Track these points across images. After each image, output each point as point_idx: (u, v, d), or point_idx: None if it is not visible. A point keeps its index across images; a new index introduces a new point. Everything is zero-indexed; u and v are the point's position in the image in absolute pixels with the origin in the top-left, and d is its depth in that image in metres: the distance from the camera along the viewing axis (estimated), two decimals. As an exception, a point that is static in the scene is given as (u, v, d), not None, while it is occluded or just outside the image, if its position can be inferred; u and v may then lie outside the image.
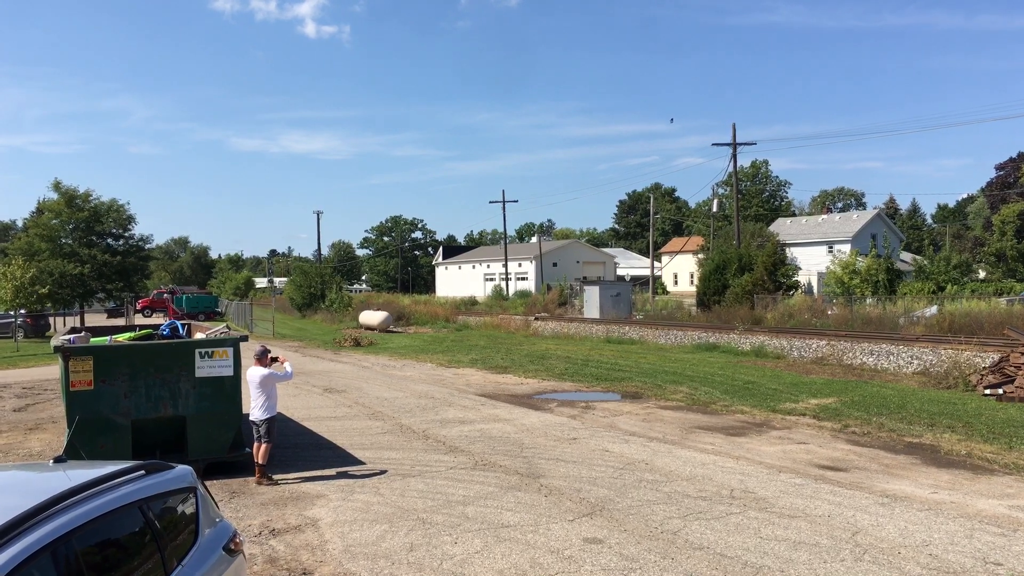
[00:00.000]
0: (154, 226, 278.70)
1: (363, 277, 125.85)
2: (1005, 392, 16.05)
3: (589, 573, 6.79)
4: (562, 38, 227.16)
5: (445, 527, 8.09)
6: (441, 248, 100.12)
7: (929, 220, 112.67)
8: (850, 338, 24.31)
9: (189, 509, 4.42)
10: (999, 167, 79.85)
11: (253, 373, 10.18)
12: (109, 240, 46.18)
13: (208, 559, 4.26)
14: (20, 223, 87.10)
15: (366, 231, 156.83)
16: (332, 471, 10.71)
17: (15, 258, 38.96)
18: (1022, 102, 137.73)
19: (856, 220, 71.23)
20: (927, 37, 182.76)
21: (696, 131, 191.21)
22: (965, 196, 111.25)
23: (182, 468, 4.58)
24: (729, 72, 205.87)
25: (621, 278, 75.48)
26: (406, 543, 7.62)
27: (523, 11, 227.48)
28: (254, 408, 10.18)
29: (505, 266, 71.39)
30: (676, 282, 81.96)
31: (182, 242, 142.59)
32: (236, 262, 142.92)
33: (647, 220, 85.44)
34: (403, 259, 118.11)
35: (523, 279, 75.47)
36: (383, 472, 10.63)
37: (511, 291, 68.16)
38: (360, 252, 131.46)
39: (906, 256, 68.91)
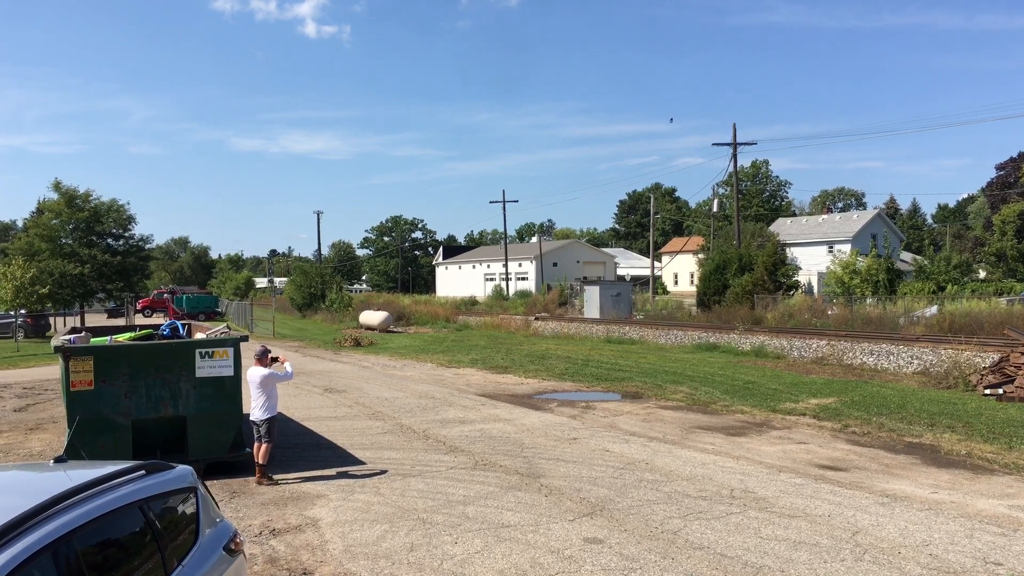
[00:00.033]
0: (154, 226, 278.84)
1: (363, 277, 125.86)
2: (1005, 392, 16.05)
3: (589, 573, 6.80)
4: (562, 38, 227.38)
5: (445, 527, 8.10)
6: (441, 248, 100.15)
7: (929, 220, 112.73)
8: (850, 338, 24.31)
9: (189, 509, 4.42)
10: (999, 167, 79.84)
11: (253, 373, 10.19)
12: (109, 240, 46.20)
13: (208, 559, 4.27)
14: (20, 223, 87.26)
15: (366, 231, 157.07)
16: (332, 471, 10.71)
17: (15, 258, 38.99)
18: (1022, 102, 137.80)
19: (856, 220, 71.24)
20: (927, 37, 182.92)
21: (696, 131, 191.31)
22: (965, 196, 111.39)
23: (182, 468, 4.58)
24: (729, 72, 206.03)
25: (621, 278, 75.47)
26: (406, 543, 7.63)
27: (523, 11, 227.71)
28: (254, 408, 10.18)
29: (505, 266, 71.39)
30: (676, 282, 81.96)
31: (182, 242, 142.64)
32: (236, 262, 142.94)
33: (647, 220, 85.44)
34: (403, 259, 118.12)
35: (523, 279, 75.48)
36: (383, 472, 10.63)
37: (511, 291, 68.17)
38: (360, 252, 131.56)
39: (906, 256, 68.91)
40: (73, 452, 9.14)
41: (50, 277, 39.53)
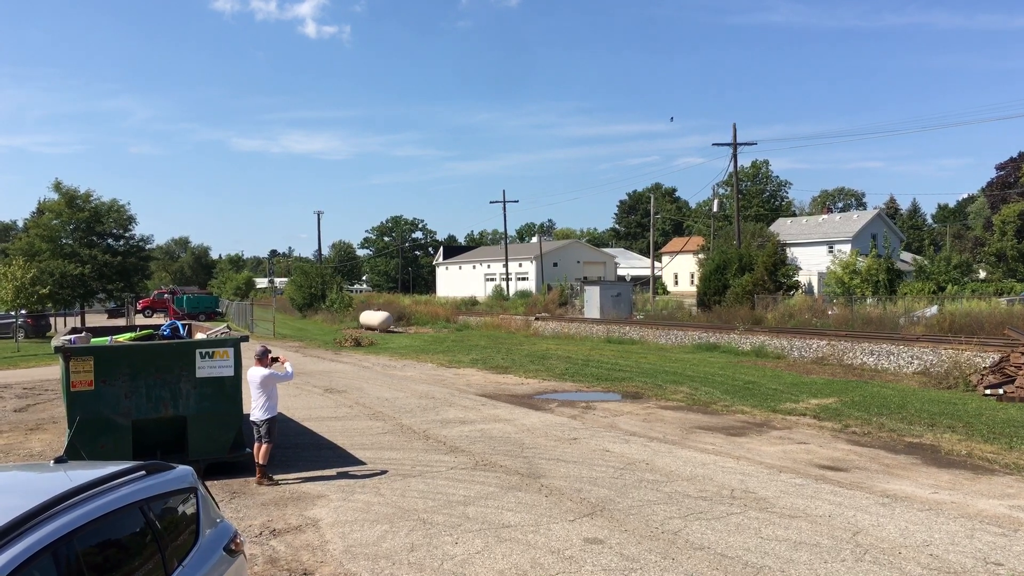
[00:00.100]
0: (155, 226, 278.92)
1: (364, 277, 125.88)
2: (1005, 392, 16.04)
3: (590, 573, 6.80)
4: (562, 38, 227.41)
5: (446, 527, 8.10)
6: (441, 248, 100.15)
7: (929, 220, 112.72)
8: (850, 338, 24.31)
9: (190, 509, 4.42)
10: (999, 167, 79.81)
11: (254, 373, 10.19)
12: (110, 240, 46.18)
13: (209, 559, 4.26)
14: (21, 223, 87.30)
15: (366, 231, 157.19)
16: (333, 471, 10.71)
17: (16, 258, 39.01)
18: (1022, 102, 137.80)
19: (856, 220, 71.24)
20: (927, 37, 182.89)
21: (696, 131, 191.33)
22: (965, 196, 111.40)
23: (183, 468, 4.58)
24: (729, 72, 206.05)
25: (621, 278, 75.47)
26: (407, 543, 7.62)
27: (523, 11, 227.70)
28: (255, 408, 10.18)
29: (506, 266, 71.40)
30: (676, 282, 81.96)
31: (183, 242, 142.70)
32: (237, 262, 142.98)
33: (647, 220, 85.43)
34: (403, 259, 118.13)
35: (523, 279, 75.48)
36: (384, 472, 10.63)
37: (512, 291, 68.18)
38: (361, 252, 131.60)
39: (906, 256, 68.91)
40: (73, 452, 9.14)
41: (50, 277, 39.54)
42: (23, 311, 37.22)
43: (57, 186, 43.38)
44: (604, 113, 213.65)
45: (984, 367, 17.84)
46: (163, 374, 10.26)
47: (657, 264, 66.95)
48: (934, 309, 29.37)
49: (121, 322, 43.65)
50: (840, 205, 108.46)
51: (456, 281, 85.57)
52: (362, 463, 11.23)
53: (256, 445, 10.14)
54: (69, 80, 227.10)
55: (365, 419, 15.00)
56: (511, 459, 11.35)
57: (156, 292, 66.86)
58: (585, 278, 63.87)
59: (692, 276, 69.19)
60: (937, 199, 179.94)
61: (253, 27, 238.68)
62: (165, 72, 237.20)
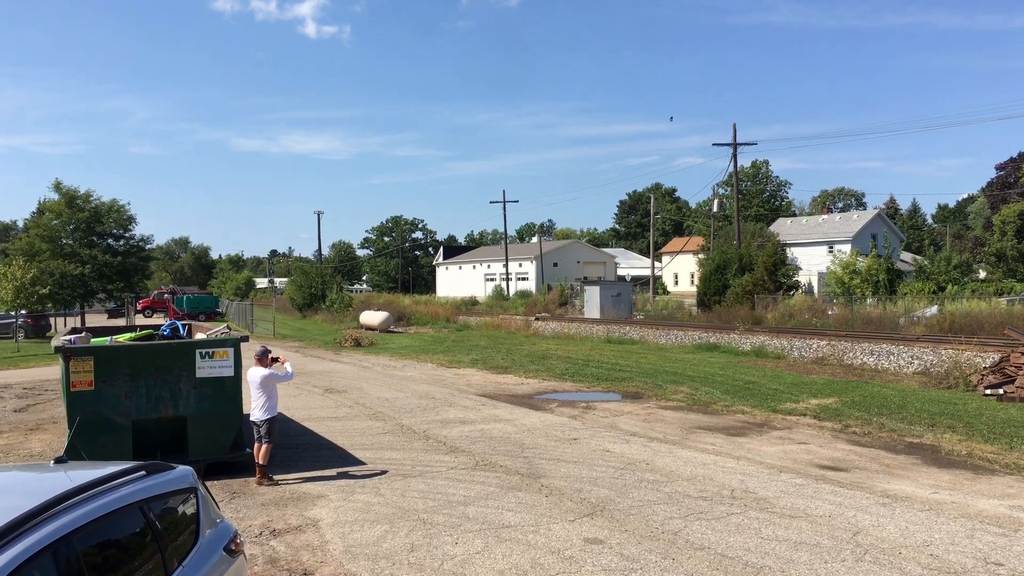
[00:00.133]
0: (155, 226, 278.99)
1: (364, 277, 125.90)
2: (1006, 392, 16.04)
3: (590, 573, 6.79)
4: (562, 38, 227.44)
5: (446, 527, 8.09)
6: (442, 248, 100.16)
7: (929, 220, 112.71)
8: (850, 338, 24.31)
9: (190, 510, 4.42)
10: (999, 167, 79.83)
11: (254, 373, 10.18)
12: (110, 240, 46.16)
13: (209, 560, 4.26)
14: (21, 223, 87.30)
15: (366, 231, 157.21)
16: (333, 471, 10.71)
17: (16, 258, 38.99)
18: (1022, 102, 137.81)
19: (856, 220, 71.24)
20: (927, 37, 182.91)
21: (696, 131, 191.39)
22: (965, 196, 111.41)
23: (183, 469, 4.58)
24: (729, 72, 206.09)
25: (622, 278, 75.47)
26: (407, 543, 7.62)
27: (523, 11, 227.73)
28: (255, 408, 10.18)
29: (506, 266, 71.40)
30: (676, 282, 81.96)
31: (183, 242, 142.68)
32: (237, 262, 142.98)
33: (648, 220, 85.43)
34: (404, 259, 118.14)
35: (524, 279, 75.48)
36: (384, 472, 10.63)
37: (512, 291, 68.18)
38: (361, 252, 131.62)
39: (906, 256, 68.90)
40: (73, 452, 9.14)
41: (50, 277, 39.53)
42: (23, 311, 37.22)
43: (57, 186, 43.38)
44: (604, 113, 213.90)
45: (984, 367, 17.84)
46: (163, 374, 10.26)
47: (657, 264, 66.95)
48: (934, 309, 29.37)
49: (121, 322, 43.65)
50: (840, 205, 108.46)
51: (456, 281, 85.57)
52: (362, 463, 11.23)
53: (256, 445, 10.14)
54: (69, 80, 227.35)
55: (365, 419, 15.00)
56: (511, 459, 11.35)
57: (156, 292, 66.85)
58: (585, 278, 63.88)
59: (692, 276, 69.19)
60: (937, 199, 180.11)
61: (253, 27, 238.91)
62: (165, 72, 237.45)
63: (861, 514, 8.45)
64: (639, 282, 65.50)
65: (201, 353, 10.44)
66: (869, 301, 34.79)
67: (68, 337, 12.48)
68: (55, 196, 43.66)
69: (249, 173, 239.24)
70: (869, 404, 15.74)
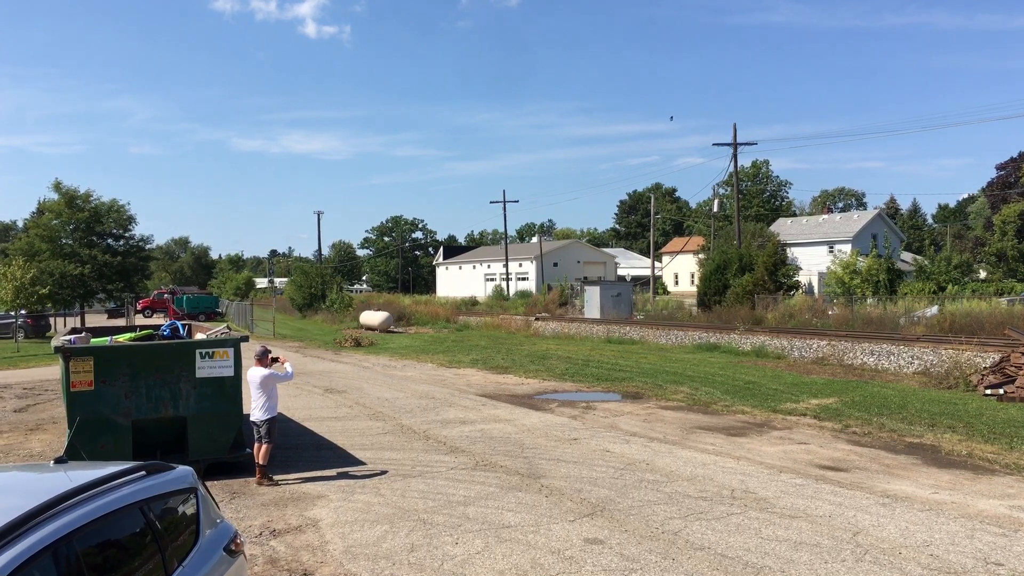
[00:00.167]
0: (155, 226, 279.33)
1: (364, 277, 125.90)
2: (1006, 392, 16.04)
3: (590, 573, 6.79)
4: (562, 38, 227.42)
5: (446, 528, 8.09)
6: (442, 248, 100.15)
7: (930, 220, 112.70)
8: (851, 338, 24.31)
9: (190, 510, 4.42)
10: (1000, 167, 79.75)
11: (254, 373, 10.18)
12: (109, 240, 46.17)
13: (209, 560, 4.26)
14: (21, 224, 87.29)
15: (366, 231, 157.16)
16: (333, 471, 10.71)
17: (16, 258, 38.99)
18: (1022, 102, 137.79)
19: (857, 220, 71.23)
20: (927, 37, 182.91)
21: (697, 131, 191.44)
22: (966, 196, 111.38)
23: (183, 469, 4.58)
24: (729, 72, 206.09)
25: (622, 278, 75.46)
26: (407, 544, 7.62)
27: (523, 11, 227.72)
28: (255, 409, 10.18)
29: (506, 266, 71.40)
30: (677, 282, 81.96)
31: (182, 242, 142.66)
32: (237, 262, 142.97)
33: (648, 220, 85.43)
34: (404, 259, 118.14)
35: (524, 279, 75.48)
36: (384, 472, 10.63)
37: (512, 291, 68.18)
38: (361, 252, 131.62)
39: (907, 256, 68.90)
40: (73, 453, 9.14)
41: (50, 277, 39.53)
42: (23, 311, 37.22)
43: (57, 186, 43.39)
44: (604, 113, 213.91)
45: (984, 367, 17.83)
46: (163, 374, 10.26)
47: (657, 264, 66.95)
48: (934, 309, 29.37)
49: (121, 322, 43.65)
50: (840, 205, 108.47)
51: (456, 281, 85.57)
52: (362, 463, 11.23)
53: (256, 445, 10.14)
54: (69, 80, 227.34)
55: (365, 419, 15.00)
56: (511, 459, 11.35)
57: (156, 292, 66.86)
58: (585, 278, 63.87)
59: (692, 276, 69.18)
60: (937, 199, 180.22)
61: (253, 27, 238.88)
62: (165, 72, 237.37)
63: (861, 514, 8.45)
64: (639, 282, 65.50)
65: (201, 353, 10.44)
66: (869, 301, 34.79)
67: (68, 337, 12.48)
68: (55, 196, 43.68)
69: (249, 173, 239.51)
70: (869, 404, 15.74)
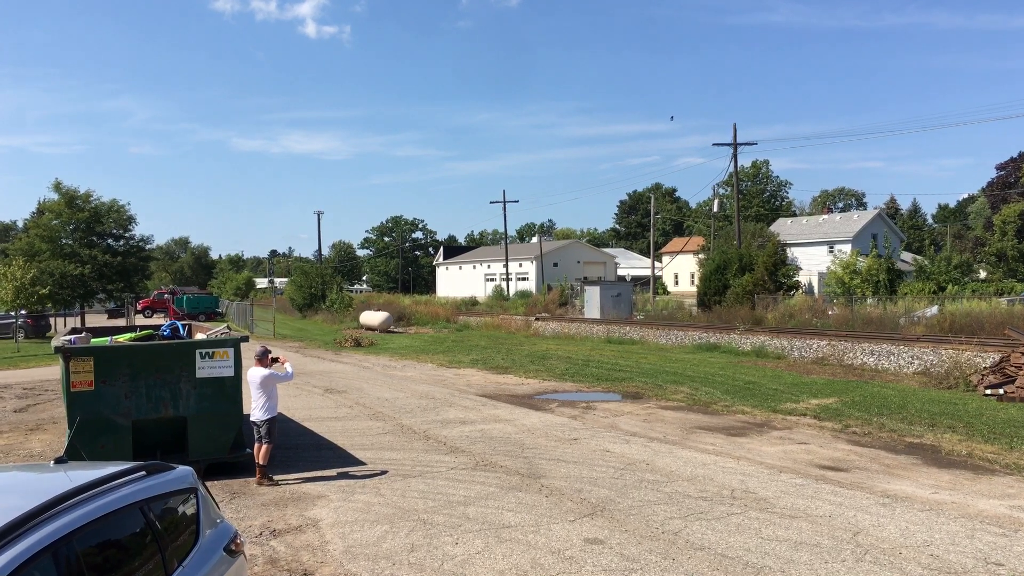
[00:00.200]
0: (155, 227, 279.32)
1: (364, 277, 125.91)
2: (1006, 392, 16.04)
3: (590, 573, 6.79)
4: (562, 38, 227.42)
5: (446, 528, 8.09)
6: (442, 248, 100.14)
7: (930, 220, 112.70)
8: (851, 338, 24.30)
9: (190, 510, 4.42)
10: (1000, 167, 79.75)
11: (254, 374, 10.18)
12: (110, 241, 46.16)
13: (209, 560, 4.26)
14: (21, 224, 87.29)
15: (367, 231, 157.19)
16: (333, 472, 10.71)
17: (16, 259, 38.99)
18: (1022, 102, 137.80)
19: (857, 220, 71.22)
20: (927, 37, 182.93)
21: (697, 131, 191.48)
22: (966, 196, 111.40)
23: (183, 469, 4.58)
24: (729, 72, 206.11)
25: (622, 278, 75.46)
26: (407, 544, 7.62)
27: (523, 11, 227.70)
28: (255, 409, 10.18)
29: (506, 266, 71.40)
30: (677, 282, 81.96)
31: (183, 242, 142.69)
32: (237, 262, 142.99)
33: (648, 220, 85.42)
34: (404, 259, 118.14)
35: (524, 279, 75.48)
36: (384, 473, 10.63)
37: (512, 291, 68.18)
38: (361, 252, 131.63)
39: (907, 256, 68.89)
40: (73, 453, 9.14)
41: (50, 278, 39.52)
42: (23, 311, 37.22)
43: (57, 186, 43.38)
44: (604, 113, 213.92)
45: (984, 367, 17.83)
46: (163, 374, 10.26)
47: (657, 264, 66.95)
48: (934, 309, 29.37)
49: (121, 322, 43.66)
50: (840, 205, 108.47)
51: (456, 281, 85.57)
52: (362, 463, 11.23)
53: (256, 445, 10.14)
54: (69, 80, 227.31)
55: (365, 419, 15.00)
56: (511, 459, 11.35)
57: (156, 292, 66.87)
58: (585, 278, 63.88)
59: (692, 276, 69.17)
60: (937, 199, 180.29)
61: (253, 27, 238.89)
62: (165, 72, 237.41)
63: (861, 514, 8.45)
64: (639, 282, 65.50)
65: (201, 353, 10.44)
66: (869, 301, 34.79)
67: (68, 337, 12.48)
68: (55, 196, 43.67)
69: (249, 173, 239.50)
70: (869, 404, 15.74)
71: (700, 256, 62.23)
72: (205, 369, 10.44)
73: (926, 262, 48.20)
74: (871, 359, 22.32)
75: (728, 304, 35.90)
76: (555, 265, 75.05)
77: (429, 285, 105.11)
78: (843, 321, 29.43)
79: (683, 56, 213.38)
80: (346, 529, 8.14)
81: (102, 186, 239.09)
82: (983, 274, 60.44)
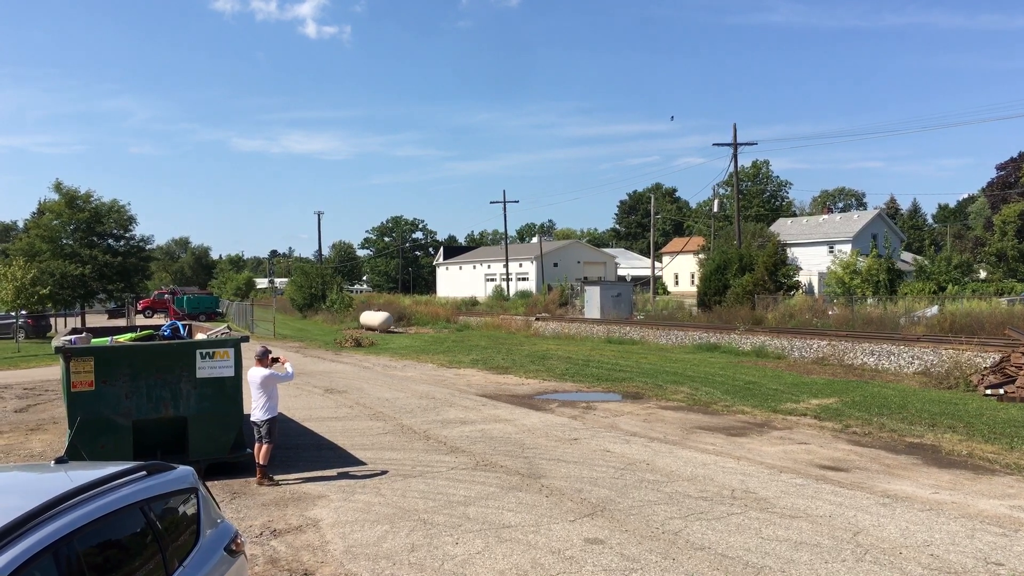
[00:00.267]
0: (155, 227, 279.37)
1: (364, 278, 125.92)
2: (1006, 392, 16.04)
3: (590, 573, 6.79)
4: (562, 38, 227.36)
5: (446, 527, 8.10)
6: (442, 248, 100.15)
7: (930, 220, 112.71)
8: (851, 338, 24.30)
9: (190, 510, 4.42)
10: (1000, 167, 79.74)
11: (254, 374, 10.19)
12: (110, 241, 46.14)
13: (209, 560, 4.27)
14: (21, 224, 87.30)
15: (367, 231, 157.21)
16: (333, 472, 10.71)
17: (16, 259, 38.98)
18: (1022, 102, 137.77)
19: (857, 220, 71.21)
20: (927, 37, 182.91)
21: (697, 131, 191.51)
22: (966, 196, 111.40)
23: (183, 469, 4.59)
24: (729, 72, 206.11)
25: (622, 278, 75.47)
26: (407, 544, 7.62)
27: (523, 11, 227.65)
28: (255, 409, 10.18)
29: (506, 266, 71.40)
30: (677, 282, 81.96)
31: (183, 243, 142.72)
32: (237, 263, 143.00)
33: (648, 220, 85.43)
34: (404, 259, 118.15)
35: (524, 279, 75.48)
36: (384, 472, 10.63)
37: (512, 291, 68.18)
38: (361, 252, 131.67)
39: (907, 256, 68.89)
40: (74, 453, 9.14)
41: (51, 278, 39.52)
42: (23, 311, 37.22)
43: (57, 186, 43.37)
44: (604, 113, 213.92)
45: (985, 367, 17.83)
46: (164, 374, 10.27)
47: (657, 264, 66.95)
48: (935, 309, 29.38)
49: (121, 322, 43.65)
50: (840, 205, 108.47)
51: (456, 281, 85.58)
52: (363, 463, 11.23)
53: (256, 445, 10.15)
54: (69, 80, 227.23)
55: (366, 419, 15.00)
56: (512, 459, 11.35)
57: (156, 292, 66.86)
58: (585, 278, 63.89)
59: (692, 276, 69.17)
60: (937, 199, 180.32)
61: (253, 27, 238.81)
62: (165, 72, 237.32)
63: (861, 514, 8.45)
64: (639, 282, 65.50)
65: (201, 353, 10.45)
66: (869, 301, 34.79)
67: (68, 337, 12.48)
68: (55, 196, 43.65)
69: (249, 173, 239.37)
70: (869, 404, 15.74)
71: (700, 256, 62.24)
72: (205, 369, 10.44)
73: (926, 262, 48.21)
74: (871, 359, 22.32)
75: (728, 304, 35.90)
76: (555, 265, 75.05)
77: (429, 285, 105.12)
78: (843, 321, 29.43)
79: (683, 56, 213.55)
80: (346, 529, 8.14)
81: (102, 186, 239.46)
82: (983, 274, 60.43)
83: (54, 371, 22.34)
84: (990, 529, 7.91)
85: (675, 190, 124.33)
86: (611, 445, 12.28)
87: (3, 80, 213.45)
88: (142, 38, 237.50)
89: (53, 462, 4.36)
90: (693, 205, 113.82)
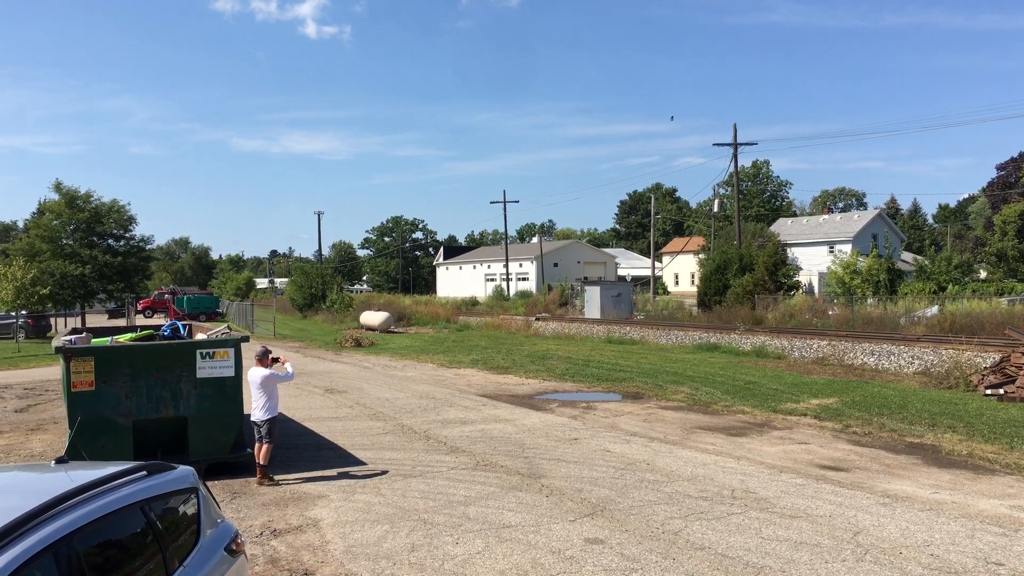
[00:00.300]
0: (155, 227, 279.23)
1: (364, 278, 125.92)
2: (1006, 392, 16.04)
3: (591, 573, 6.79)
4: (562, 38, 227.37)
5: (446, 527, 8.10)
6: (442, 248, 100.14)
7: (930, 220, 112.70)
8: (851, 338, 24.30)
9: (191, 510, 4.43)
10: (1000, 167, 79.71)
11: (254, 374, 10.19)
12: (110, 241, 46.15)
13: (210, 560, 4.27)
14: (21, 224, 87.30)
15: (367, 231, 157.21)
16: (333, 471, 10.71)
17: (16, 259, 38.97)
18: (1022, 102, 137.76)
19: (857, 220, 71.20)
20: (927, 37, 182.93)
21: (697, 131, 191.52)
22: (966, 196, 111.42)
23: (184, 469, 4.59)
24: (729, 72, 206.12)
25: (622, 278, 75.47)
26: (407, 543, 7.63)
27: (523, 11, 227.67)
28: (255, 409, 10.18)
29: (506, 266, 71.39)
30: (677, 282, 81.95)
31: (183, 243, 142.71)
32: (237, 263, 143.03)
33: (648, 220, 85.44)
34: (404, 259, 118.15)
35: (524, 279, 75.48)
36: (384, 472, 10.63)
37: (512, 291, 68.18)
38: (361, 252, 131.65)
39: (907, 256, 68.89)
40: (74, 453, 9.14)
41: (51, 278, 39.53)
42: (23, 311, 37.23)
43: (57, 186, 43.38)
44: (604, 113, 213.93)
45: (985, 367, 17.83)
46: (164, 374, 10.27)
47: (657, 264, 66.95)
48: (935, 309, 29.38)
49: (121, 322, 43.66)
50: (840, 205, 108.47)
51: (456, 281, 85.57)
52: (363, 463, 11.23)
53: (257, 445, 10.15)
54: (69, 80, 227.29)
55: (366, 419, 15.00)
56: (512, 459, 11.35)
57: (156, 292, 66.86)
58: (585, 278, 63.89)
59: (692, 276, 69.17)
60: (938, 199, 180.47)
61: (253, 27, 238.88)
62: (165, 72, 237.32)
63: (862, 514, 8.45)
64: (639, 282, 65.50)
65: (202, 353, 10.45)
66: (870, 301, 34.79)
67: (69, 337, 12.48)
68: (55, 196, 43.66)
69: (249, 173, 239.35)
70: (870, 404, 15.74)
71: (700, 256, 62.25)
72: (206, 369, 10.44)
73: (926, 262, 48.21)
74: (871, 359, 22.32)
75: (728, 304, 35.90)
76: (555, 265, 75.05)
77: (429, 285, 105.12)
78: (843, 321, 29.43)
79: (683, 56, 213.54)
80: (347, 529, 8.14)
81: (102, 186, 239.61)
82: (983, 274, 60.44)
83: (54, 371, 22.34)
84: (990, 529, 7.91)
85: (675, 190, 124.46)
86: (611, 445, 12.28)
87: (3, 80, 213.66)
88: (142, 38, 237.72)
89: (53, 462, 4.36)
90: (693, 205, 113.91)
